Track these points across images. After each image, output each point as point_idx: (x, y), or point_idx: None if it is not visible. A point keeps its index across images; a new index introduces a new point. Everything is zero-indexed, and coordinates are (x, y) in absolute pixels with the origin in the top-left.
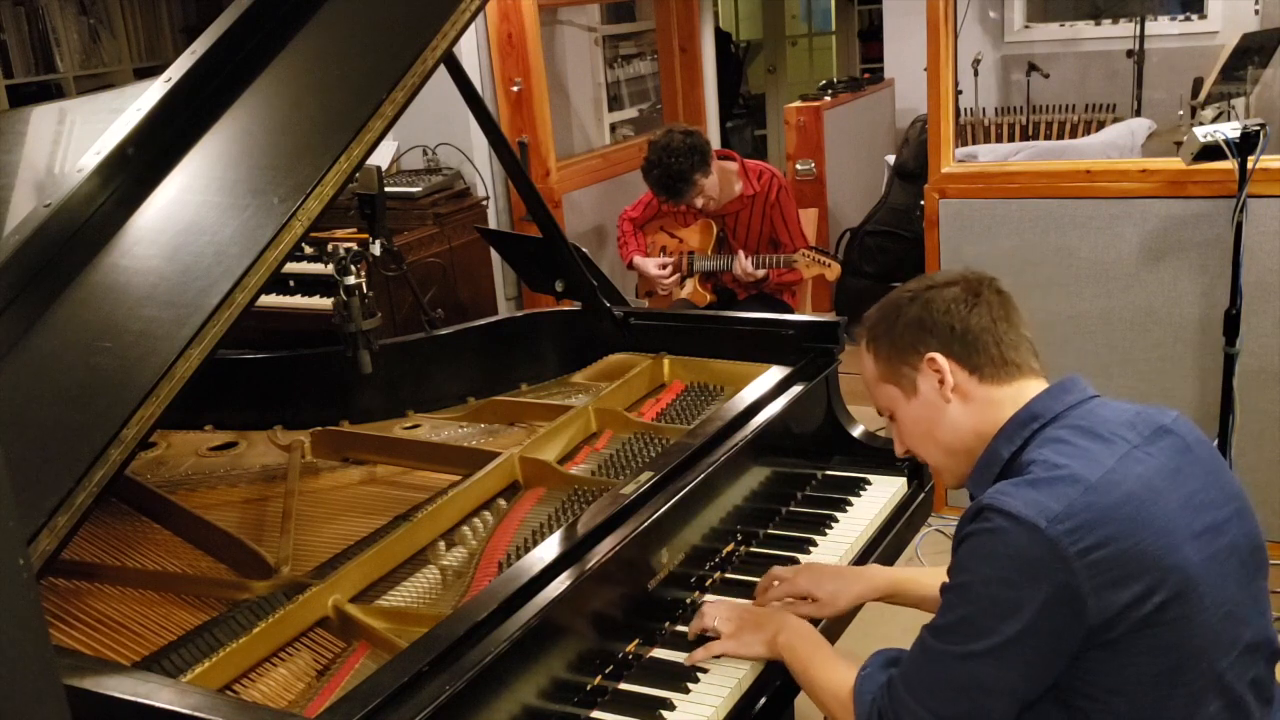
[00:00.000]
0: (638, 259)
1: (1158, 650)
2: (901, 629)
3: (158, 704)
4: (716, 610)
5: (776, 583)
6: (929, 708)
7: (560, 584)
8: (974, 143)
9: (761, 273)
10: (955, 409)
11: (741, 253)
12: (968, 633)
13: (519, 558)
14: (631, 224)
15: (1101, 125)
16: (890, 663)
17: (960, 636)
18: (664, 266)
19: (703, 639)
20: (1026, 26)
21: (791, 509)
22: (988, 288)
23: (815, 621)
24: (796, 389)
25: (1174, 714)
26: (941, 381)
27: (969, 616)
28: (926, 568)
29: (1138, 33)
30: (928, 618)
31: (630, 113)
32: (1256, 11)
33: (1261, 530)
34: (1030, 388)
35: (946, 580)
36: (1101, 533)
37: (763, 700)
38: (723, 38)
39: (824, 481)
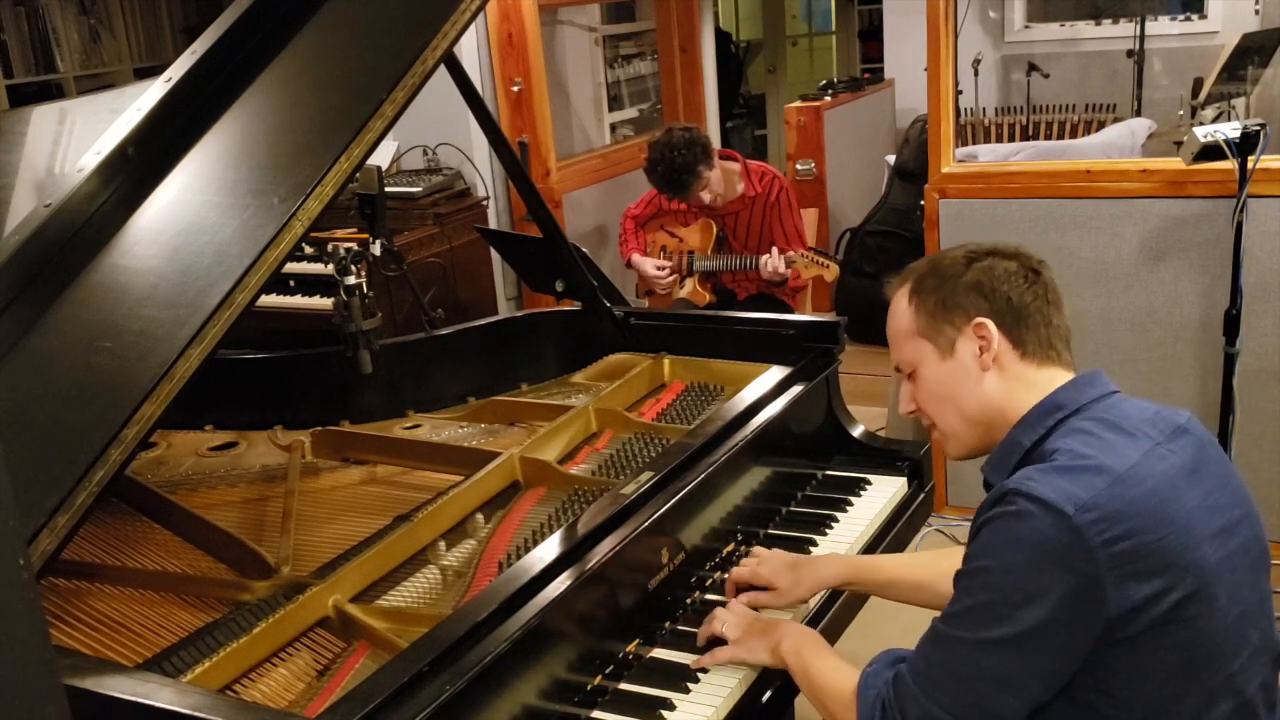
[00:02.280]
0: (636, 257)
1: (1174, 649)
2: (902, 629)
3: (158, 704)
4: (724, 616)
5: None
6: (936, 700)
7: (560, 584)
8: (974, 143)
9: (787, 270)
10: (990, 380)
11: (776, 249)
12: (983, 619)
13: (519, 558)
14: (633, 221)
15: (1101, 125)
16: (897, 661)
17: (975, 623)
18: (662, 269)
19: (710, 644)
20: (1026, 26)
21: (792, 509)
22: (1046, 269)
23: (820, 613)
24: (797, 389)
25: (1185, 713)
26: (982, 350)
27: (986, 603)
28: (888, 555)
29: (1138, 33)
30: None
31: (630, 113)
32: (1256, 11)
33: (1266, 534)
34: (1060, 377)
35: (961, 567)
36: (1127, 525)
37: (763, 700)
38: (723, 38)
39: (824, 481)
